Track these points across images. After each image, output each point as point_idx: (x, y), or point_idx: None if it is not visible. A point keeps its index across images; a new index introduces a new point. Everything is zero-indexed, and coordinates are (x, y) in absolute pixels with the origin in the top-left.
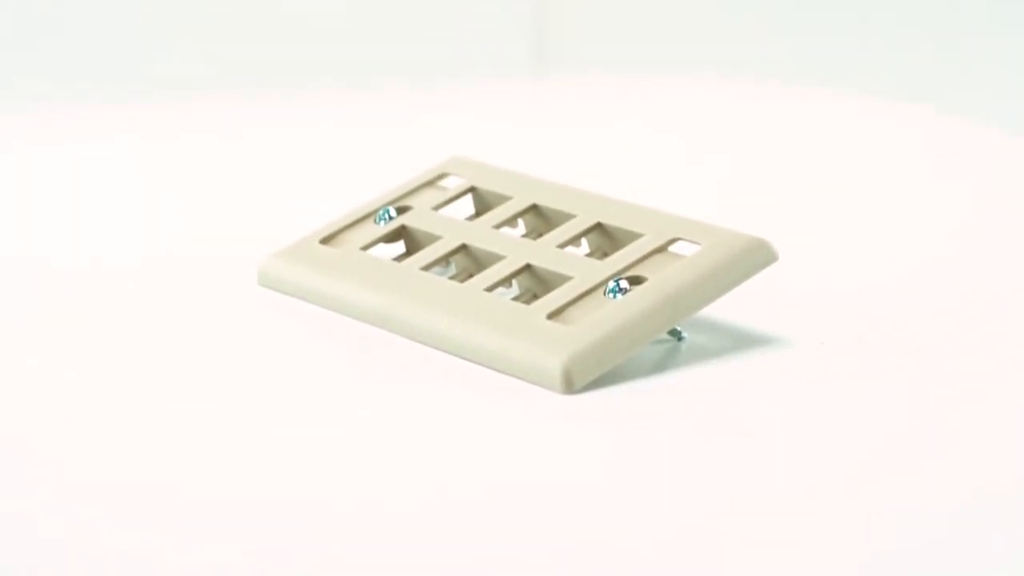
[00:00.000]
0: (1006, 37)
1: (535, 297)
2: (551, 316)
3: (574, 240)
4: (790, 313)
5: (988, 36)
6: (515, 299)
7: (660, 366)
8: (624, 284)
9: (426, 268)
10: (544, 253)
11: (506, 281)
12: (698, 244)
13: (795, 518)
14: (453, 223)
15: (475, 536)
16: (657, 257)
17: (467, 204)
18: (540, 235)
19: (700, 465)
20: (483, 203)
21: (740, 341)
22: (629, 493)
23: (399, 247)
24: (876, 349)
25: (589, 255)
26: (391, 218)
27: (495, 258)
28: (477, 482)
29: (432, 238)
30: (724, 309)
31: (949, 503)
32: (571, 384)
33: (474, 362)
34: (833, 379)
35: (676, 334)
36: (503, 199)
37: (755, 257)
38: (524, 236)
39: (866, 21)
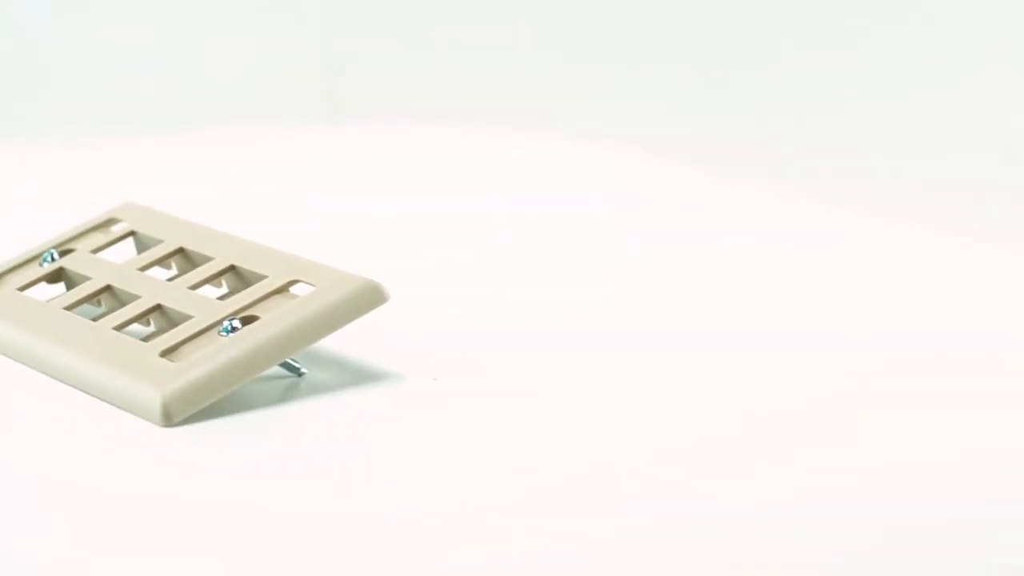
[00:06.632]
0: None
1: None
2: (164, 353)
3: (207, 282)
4: (405, 351)
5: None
6: (147, 337)
7: (281, 399)
8: (236, 323)
9: (71, 307)
10: (176, 294)
11: (140, 319)
12: (313, 286)
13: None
14: (106, 265)
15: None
16: (276, 298)
17: (131, 247)
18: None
19: (304, 494)
20: (142, 246)
21: (358, 376)
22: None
23: (61, 288)
24: (486, 386)
25: (224, 296)
26: (53, 260)
27: (134, 298)
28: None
29: (85, 279)
30: (343, 347)
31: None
32: (170, 417)
33: (91, 395)
34: (446, 410)
35: (295, 370)
36: (158, 243)
37: (366, 298)
38: (171, 279)
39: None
